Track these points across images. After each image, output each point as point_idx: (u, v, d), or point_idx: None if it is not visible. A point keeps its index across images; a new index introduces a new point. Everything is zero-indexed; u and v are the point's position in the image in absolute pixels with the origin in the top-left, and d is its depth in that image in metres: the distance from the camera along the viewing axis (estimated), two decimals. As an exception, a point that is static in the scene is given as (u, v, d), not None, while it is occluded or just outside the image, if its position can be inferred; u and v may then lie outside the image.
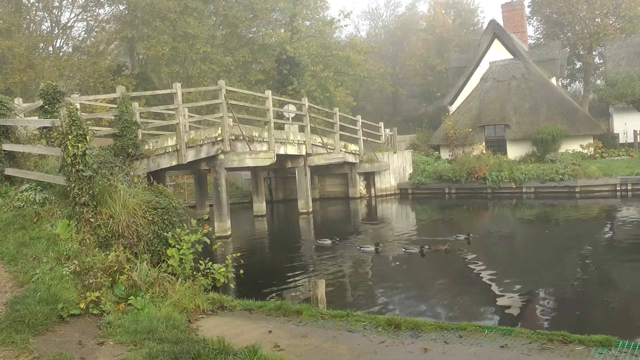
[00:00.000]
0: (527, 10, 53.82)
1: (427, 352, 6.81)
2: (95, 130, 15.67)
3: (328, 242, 18.18)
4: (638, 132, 36.54)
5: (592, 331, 7.24)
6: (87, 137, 10.02)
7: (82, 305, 7.87)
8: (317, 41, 47.74)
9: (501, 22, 45.82)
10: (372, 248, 16.47)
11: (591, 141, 35.71)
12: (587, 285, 12.65)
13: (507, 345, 6.91)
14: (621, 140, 38.35)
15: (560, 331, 7.20)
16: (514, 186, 29.90)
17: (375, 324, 7.95)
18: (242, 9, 45.92)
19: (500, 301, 11.39)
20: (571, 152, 34.20)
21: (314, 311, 8.68)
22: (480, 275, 13.72)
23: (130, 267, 8.91)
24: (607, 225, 21.20)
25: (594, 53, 53.64)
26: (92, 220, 9.94)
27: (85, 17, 44.71)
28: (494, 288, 12.47)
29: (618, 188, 27.70)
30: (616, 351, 6.55)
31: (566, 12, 50.29)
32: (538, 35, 57.16)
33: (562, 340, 6.93)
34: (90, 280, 8.39)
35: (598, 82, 47.59)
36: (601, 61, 52.00)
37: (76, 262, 8.68)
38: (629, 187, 27.45)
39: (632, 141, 37.05)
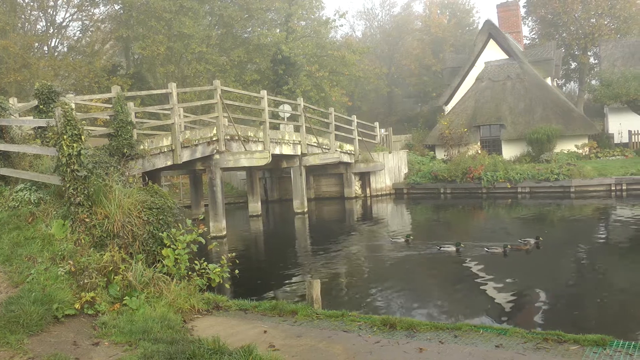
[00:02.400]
0: (522, 11, 54.01)
1: (422, 352, 6.82)
2: (91, 130, 15.68)
3: (402, 240, 17.73)
4: (633, 132, 36.63)
5: (587, 331, 7.28)
6: (82, 137, 10.01)
7: (77, 306, 7.87)
8: (312, 41, 47.76)
9: (496, 22, 45.94)
10: (453, 248, 15.91)
11: (586, 141, 35.80)
12: (582, 284, 12.69)
13: (502, 344, 6.94)
14: (616, 140, 38.46)
15: (555, 330, 7.24)
16: (509, 186, 29.94)
17: (370, 324, 7.96)
18: (237, 9, 45.86)
19: (496, 301, 11.40)
20: (566, 152, 34.26)
21: (309, 311, 8.69)
22: (475, 274, 13.72)
23: (125, 267, 8.90)
24: (602, 225, 21.24)
25: (589, 53, 53.79)
26: (87, 220, 9.93)
27: (80, 16, 44.67)
28: (489, 288, 12.48)
29: (613, 188, 27.76)
30: (611, 350, 6.59)
31: (561, 13, 50.41)
32: (533, 36, 57.31)
33: (557, 339, 6.96)
34: (85, 281, 8.37)
35: (593, 82, 47.68)
36: (596, 61, 52.16)
37: (71, 262, 8.67)
38: (624, 187, 27.52)
39: (627, 141, 37.12)
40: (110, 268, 8.75)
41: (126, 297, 8.37)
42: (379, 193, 33.67)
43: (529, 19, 56.26)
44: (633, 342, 6.79)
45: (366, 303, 11.69)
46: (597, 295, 11.64)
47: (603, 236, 18.74)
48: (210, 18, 48.20)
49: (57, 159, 10.21)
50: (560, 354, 6.56)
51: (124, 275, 8.71)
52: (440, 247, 16.07)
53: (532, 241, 15.82)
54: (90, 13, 44.89)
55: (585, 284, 12.68)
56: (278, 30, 48.93)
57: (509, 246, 15.34)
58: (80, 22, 45.74)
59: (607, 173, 28.77)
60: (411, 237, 17.54)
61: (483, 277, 13.35)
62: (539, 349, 6.74)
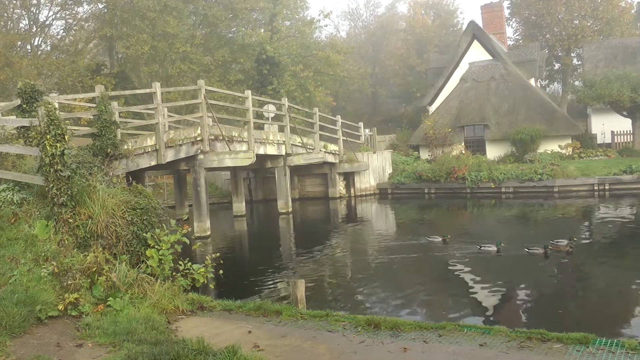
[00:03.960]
0: (506, 12, 54.30)
1: (406, 351, 6.84)
2: (74, 129, 15.58)
3: (439, 239, 17.39)
4: (615, 133, 37.00)
5: (570, 329, 7.33)
6: (66, 137, 9.97)
7: (60, 307, 7.82)
8: (297, 41, 47.77)
9: (480, 24, 46.17)
10: (494, 247, 15.56)
11: (569, 141, 36.07)
12: (565, 283, 12.78)
13: (486, 343, 6.97)
14: (599, 140, 38.83)
15: (538, 329, 7.29)
16: (493, 186, 30.09)
17: (354, 324, 7.97)
18: (221, 9, 45.79)
19: (480, 300, 11.47)
20: (550, 152, 34.49)
21: (293, 311, 8.70)
22: (460, 274, 13.79)
23: (109, 268, 8.86)
24: (585, 224, 21.42)
25: (572, 55, 54.19)
26: (70, 220, 9.89)
27: (63, 15, 44.33)
28: (474, 287, 12.56)
29: (596, 188, 28.00)
30: (593, 348, 6.64)
31: (545, 14, 50.72)
32: (517, 37, 57.59)
33: (541, 338, 7.00)
34: (69, 282, 8.32)
35: (576, 83, 48.28)
36: (579, 62, 52.60)
37: (54, 263, 8.61)
38: (607, 187, 27.77)
39: (610, 141, 37.50)
40: (94, 269, 8.70)
41: (110, 298, 8.33)
42: (363, 193, 33.73)
43: (513, 20, 56.56)
44: (615, 340, 6.86)
45: (351, 303, 11.72)
46: (580, 293, 11.75)
47: (586, 235, 18.86)
48: (194, 17, 48.07)
49: (40, 159, 10.16)
50: (543, 352, 6.60)
51: (107, 276, 8.67)
52: (481, 247, 15.79)
53: (566, 242, 15.36)
54: (74, 12, 44.61)
55: (569, 283, 12.79)
56: (262, 30, 48.92)
57: (549, 247, 15.06)
58: (63, 21, 45.45)
59: (590, 173, 29.02)
60: (449, 237, 17.30)
61: (470, 277, 13.44)
62: (523, 347, 6.78)
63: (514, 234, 19.51)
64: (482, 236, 18.42)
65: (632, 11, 55.17)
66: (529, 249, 15.14)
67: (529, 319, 10.12)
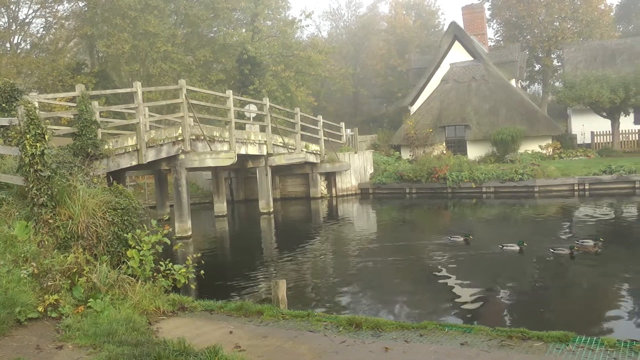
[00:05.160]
0: (487, 13, 54.71)
1: (388, 351, 6.86)
2: (54, 129, 15.47)
3: (460, 239, 17.17)
4: (595, 133, 37.39)
5: (551, 327, 7.43)
6: (46, 137, 9.89)
7: (40, 309, 7.75)
8: (278, 41, 47.77)
9: (462, 24, 46.34)
10: (516, 247, 15.41)
11: (550, 142, 36.37)
12: (546, 282, 12.90)
13: (467, 342, 7.02)
14: (579, 141, 39.19)
15: (519, 328, 7.36)
16: (474, 186, 30.22)
17: (336, 324, 7.98)
18: (203, 8, 45.69)
19: (461, 299, 11.55)
20: (530, 152, 34.75)
21: (275, 311, 8.69)
22: (441, 274, 13.85)
23: (89, 268, 8.79)
24: (566, 224, 21.60)
25: (553, 56, 54.68)
26: (50, 221, 9.81)
27: (43, 13, 43.99)
28: (455, 287, 12.63)
29: (576, 188, 28.24)
30: (573, 346, 6.71)
31: (525, 16, 51.15)
32: (498, 38, 58.07)
33: (521, 336, 7.06)
34: (49, 283, 8.25)
35: (557, 84, 48.67)
36: (559, 64, 52.98)
37: (34, 264, 8.53)
38: (587, 187, 28.01)
39: (590, 142, 37.88)
40: (75, 270, 8.64)
41: (90, 300, 8.27)
42: (345, 193, 33.77)
43: (494, 21, 57.01)
44: (595, 338, 6.94)
45: (332, 303, 11.75)
46: (561, 292, 11.85)
47: (566, 235, 19.00)
48: (175, 17, 47.91)
49: (20, 159, 10.07)
50: (524, 350, 6.66)
51: (88, 277, 8.61)
52: (503, 247, 15.63)
53: (592, 242, 15.13)
54: (54, 10, 44.26)
55: (550, 282, 12.90)
56: (244, 30, 48.90)
57: (575, 247, 14.80)
58: (43, 19, 45.08)
59: (570, 173, 29.25)
60: (471, 237, 17.12)
61: (448, 276, 13.51)
62: (504, 346, 6.84)
63: (492, 232, 19.67)
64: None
65: (612, 13, 55.90)
66: (554, 250, 14.94)
67: (510, 317, 10.19)
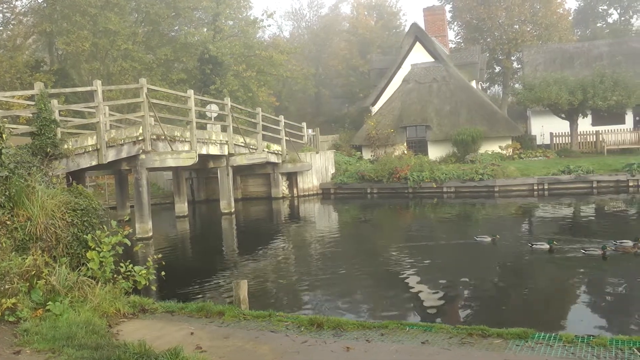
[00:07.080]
0: (448, 15, 55.31)
1: (349, 350, 6.92)
2: (12, 128, 15.22)
3: (488, 239, 16.74)
4: (554, 134, 38.05)
5: (510, 324, 7.56)
6: (3, 136, 9.75)
7: (-4, 313, 7.66)
8: (240, 41, 47.66)
9: (423, 26, 46.70)
10: (546, 246, 15.06)
11: (510, 142, 36.87)
12: (505, 280, 13.11)
13: (428, 340, 7.12)
14: (538, 141, 39.85)
15: (479, 325, 7.49)
16: (435, 186, 30.46)
17: (297, 324, 8.01)
18: (164, 7, 45.35)
19: (422, 298, 11.64)
20: (490, 152, 35.18)
21: (236, 312, 8.70)
22: (402, 273, 13.94)
23: (48, 271, 8.69)
24: (525, 222, 21.98)
25: (513, 58, 55.41)
26: (8, 222, 9.67)
27: (1, 8, 43.25)
28: (416, 285, 12.73)
29: (535, 187, 28.68)
30: (532, 343, 6.86)
31: (486, 18, 51.79)
32: (459, 40, 58.75)
33: (481, 334, 7.20)
34: (6, 286, 8.11)
35: (516, 86, 49.56)
36: (519, 66, 53.75)
37: (-9, 267, 8.42)
38: (546, 187, 28.49)
39: (549, 143, 38.53)
40: (33, 272, 8.52)
41: (49, 303, 8.17)
42: (306, 193, 33.81)
43: (455, 23, 57.68)
44: (553, 334, 7.11)
45: (294, 303, 11.78)
46: (520, 290, 12.03)
47: (526, 233, 19.30)
48: (136, 15, 47.52)
49: (-23, 159, 9.92)
50: (484, 347, 6.79)
51: (47, 279, 8.50)
52: (533, 245, 15.36)
53: (632, 243, 14.57)
54: (12, 5, 43.63)
55: (509, 280, 13.13)
56: (205, 29, 48.71)
57: (607, 247, 14.26)
58: (1, 15, 44.32)
59: (529, 173, 29.73)
60: (498, 237, 16.76)
61: (410, 275, 13.62)
62: (464, 343, 6.95)
63: (452, 231, 19.89)
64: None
65: (570, 17, 57.11)
66: (585, 250, 14.46)
67: (471, 315, 10.28)
